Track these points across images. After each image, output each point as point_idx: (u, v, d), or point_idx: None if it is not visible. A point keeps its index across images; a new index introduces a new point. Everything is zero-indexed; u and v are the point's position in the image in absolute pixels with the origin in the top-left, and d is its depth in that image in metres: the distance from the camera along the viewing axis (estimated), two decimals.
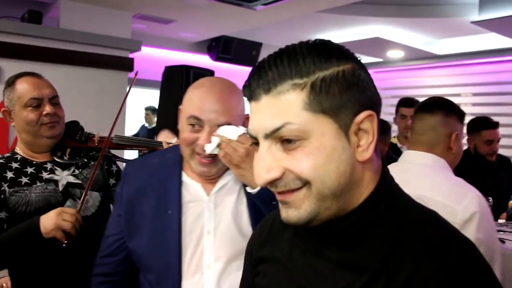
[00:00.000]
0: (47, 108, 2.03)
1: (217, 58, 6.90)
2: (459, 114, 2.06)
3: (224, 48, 6.82)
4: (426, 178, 1.94)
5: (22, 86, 2.05)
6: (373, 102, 0.87)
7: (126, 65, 4.99)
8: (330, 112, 0.82)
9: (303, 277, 0.94)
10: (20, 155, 2.10)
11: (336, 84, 0.82)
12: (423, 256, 0.82)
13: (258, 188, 1.50)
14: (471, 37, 6.15)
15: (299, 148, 0.82)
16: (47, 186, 2.04)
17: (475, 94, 6.80)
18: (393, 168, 2.08)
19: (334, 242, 0.89)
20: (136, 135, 7.14)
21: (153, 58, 6.55)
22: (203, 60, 6.83)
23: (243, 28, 6.03)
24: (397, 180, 1.96)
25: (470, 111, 6.56)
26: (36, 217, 1.88)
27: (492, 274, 0.83)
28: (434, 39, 6.45)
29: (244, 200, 1.62)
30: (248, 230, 1.57)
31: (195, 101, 1.54)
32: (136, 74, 2.25)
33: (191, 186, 1.63)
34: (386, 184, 0.91)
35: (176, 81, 4.59)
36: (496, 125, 3.86)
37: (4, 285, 2.84)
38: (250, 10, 4.86)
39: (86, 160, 2.18)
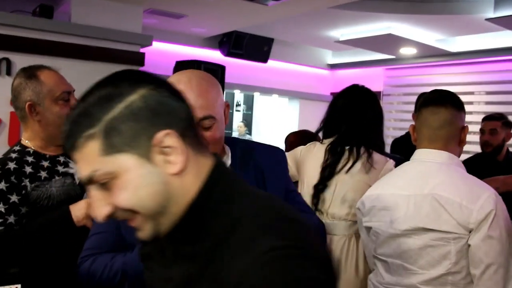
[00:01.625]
0: (74, 101, 2.02)
1: (228, 53, 6.86)
2: (463, 106, 2.04)
3: (235, 43, 6.78)
4: (442, 177, 1.91)
5: (51, 79, 2.06)
6: (174, 117, 0.95)
7: (137, 59, 4.96)
8: (126, 148, 0.90)
9: (156, 279, 1.07)
10: (32, 148, 2.10)
11: (124, 121, 0.90)
12: (240, 249, 0.88)
13: None
14: (485, 34, 6.08)
15: (113, 186, 0.91)
16: (65, 180, 2.10)
17: (488, 93, 6.73)
18: (407, 167, 2.07)
19: (173, 241, 0.99)
20: None
21: (164, 53, 6.53)
22: (214, 55, 6.79)
23: (254, 23, 6.00)
24: (412, 179, 1.93)
25: (483, 109, 6.49)
26: (65, 207, 1.93)
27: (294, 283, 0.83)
28: (447, 37, 6.39)
29: None
30: None
31: None
32: None
33: None
34: (212, 181, 0.98)
35: None
36: (489, 117, 4.07)
37: None
38: (262, 6, 4.83)
39: None
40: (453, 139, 2.00)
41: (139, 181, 0.91)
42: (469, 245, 1.81)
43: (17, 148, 2.10)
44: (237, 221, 0.92)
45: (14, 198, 1.96)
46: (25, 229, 1.95)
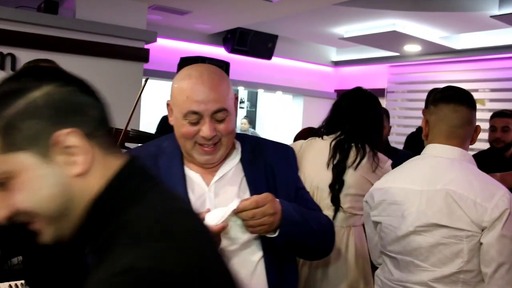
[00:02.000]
0: None
1: (232, 50, 6.86)
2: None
3: (239, 40, 6.77)
4: (455, 173, 1.90)
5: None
6: (81, 115, 0.90)
7: (142, 56, 5.00)
8: (25, 146, 0.86)
9: None
10: None
11: (25, 118, 0.86)
12: (109, 261, 0.83)
13: (277, 233, 1.56)
14: (490, 32, 6.06)
15: (12, 186, 0.87)
16: None
17: (493, 90, 6.71)
18: (418, 162, 2.05)
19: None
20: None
21: (169, 49, 6.54)
22: (218, 52, 6.80)
23: (259, 20, 6.00)
24: (424, 174, 1.92)
25: (488, 107, 6.48)
26: None
27: None
28: (451, 34, 6.37)
29: (247, 190, 1.64)
30: None
31: (189, 95, 1.55)
32: (146, 79, 2.29)
33: (191, 177, 1.65)
34: (115, 183, 0.93)
35: None
36: (501, 114, 4.00)
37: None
38: (266, 2, 4.83)
39: None
40: (468, 138, 2.01)
41: (37, 181, 0.87)
42: (480, 244, 1.80)
43: None
44: (124, 227, 0.87)
45: None
46: None
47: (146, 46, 5.10)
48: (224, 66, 4.84)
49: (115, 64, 4.78)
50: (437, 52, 6.85)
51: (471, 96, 2.04)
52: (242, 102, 10.71)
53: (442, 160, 1.95)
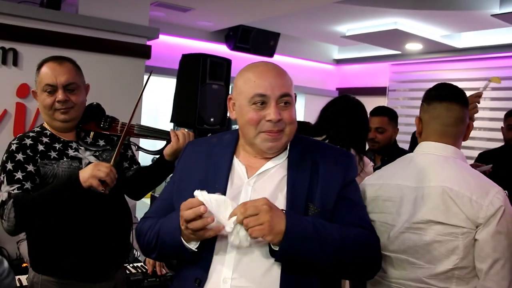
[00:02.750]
0: (59, 95, 2.25)
1: (234, 47, 6.87)
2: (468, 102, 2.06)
3: (242, 37, 6.80)
4: (450, 171, 1.92)
5: (43, 71, 2.29)
6: None
7: (144, 52, 5.01)
8: None
9: None
10: (49, 131, 2.35)
11: None
12: None
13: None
14: (491, 30, 6.06)
15: None
16: (72, 163, 2.29)
17: (494, 89, 6.72)
18: (412, 159, 2.06)
19: None
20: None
21: (171, 46, 6.55)
22: (220, 49, 6.81)
23: (260, 17, 6.02)
24: (419, 170, 1.93)
25: (489, 105, 6.49)
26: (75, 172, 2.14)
27: None
28: (453, 32, 6.37)
29: (284, 189, 1.64)
30: None
31: (256, 80, 1.62)
32: (150, 73, 2.38)
33: (236, 167, 1.69)
34: None
35: (192, 70, 4.59)
36: None
37: None
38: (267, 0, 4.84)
39: (106, 145, 2.42)
40: (461, 136, 2.03)
41: None
42: (475, 240, 1.82)
43: (37, 129, 2.38)
44: None
45: (30, 167, 2.21)
46: (40, 192, 2.15)
47: (148, 43, 5.10)
48: (225, 63, 4.83)
49: (117, 60, 4.79)
50: (438, 50, 6.86)
51: (464, 95, 2.05)
52: None
53: (436, 158, 1.97)
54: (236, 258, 1.56)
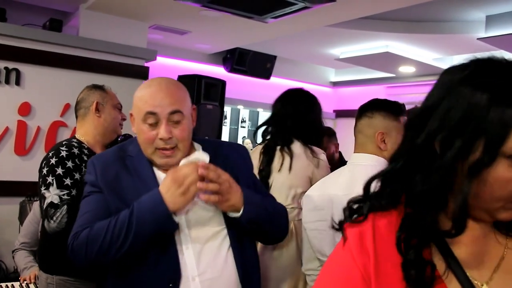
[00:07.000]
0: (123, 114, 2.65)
1: (231, 69, 7.03)
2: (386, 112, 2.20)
3: (238, 60, 6.95)
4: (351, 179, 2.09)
5: (111, 92, 2.69)
6: None
7: (142, 73, 5.16)
8: None
9: None
10: (86, 144, 2.52)
11: None
12: None
13: (241, 212, 1.68)
14: (479, 54, 6.18)
15: None
16: None
17: None
18: (342, 170, 2.27)
19: None
20: None
21: (169, 67, 6.71)
22: (218, 71, 6.97)
23: (256, 40, 6.17)
24: (345, 180, 2.07)
25: None
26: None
27: None
28: (444, 55, 6.53)
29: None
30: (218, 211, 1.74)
31: (148, 99, 1.72)
32: None
33: (160, 177, 1.77)
34: None
35: (188, 90, 4.76)
36: None
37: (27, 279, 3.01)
38: (262, 23, 4.99)
39: None
40: (381, 145, 2.13)
41: None
42: None
43: (74, 140, 2.51)
44: None
45: (77, 175, 2.34)
46: None
47: (146, 64, 5.26)
48: (220, 84, 4.99)
49: (116, 80, 4.90)
50: (431, 73, 6.98)
51: (387, 105, 2.19)
52: (243, 121, 10.82)
53: (360, 167, 2.12)
54: (195, 256, 1.69)
